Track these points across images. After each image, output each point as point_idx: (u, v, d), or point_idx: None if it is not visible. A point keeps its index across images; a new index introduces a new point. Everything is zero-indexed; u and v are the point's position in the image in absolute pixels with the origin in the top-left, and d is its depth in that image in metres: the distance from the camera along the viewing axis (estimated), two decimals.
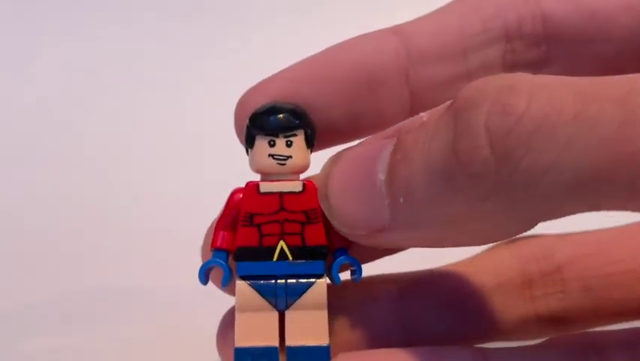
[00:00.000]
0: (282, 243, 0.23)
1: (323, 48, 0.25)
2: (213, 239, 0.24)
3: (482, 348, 0.24)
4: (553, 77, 0.18)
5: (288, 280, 0.23)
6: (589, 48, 0.24)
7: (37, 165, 0.48)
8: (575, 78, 0.18)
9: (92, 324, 0.36)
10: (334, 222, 0.22)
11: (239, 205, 0.23)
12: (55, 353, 0.34)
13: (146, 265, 0.39)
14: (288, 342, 0.23)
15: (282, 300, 0.23)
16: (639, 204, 0.18)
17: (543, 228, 0.28)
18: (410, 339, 0.25)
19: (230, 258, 0.23)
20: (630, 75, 0.17)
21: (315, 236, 0.23)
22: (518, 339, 0.27)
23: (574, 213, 0.19)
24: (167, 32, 0.56)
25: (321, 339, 0.23)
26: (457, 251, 0.28)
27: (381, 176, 0.20)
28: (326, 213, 0.22)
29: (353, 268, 0.24)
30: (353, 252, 0.24)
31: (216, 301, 0.25)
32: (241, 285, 0.23)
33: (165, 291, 0.37)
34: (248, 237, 0.23)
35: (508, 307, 0.27)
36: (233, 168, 0.25)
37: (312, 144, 0.24)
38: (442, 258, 0.28)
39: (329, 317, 0.23)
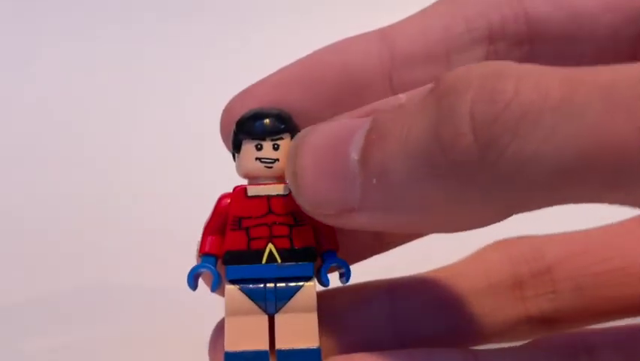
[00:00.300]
0: (270, 246, 0.23)
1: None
2: (201, 244, 0.24)
3: (473, 350, 0.24)
4: (538, 65, 0.18)
5: (278, 284, 0.23)
6: (572, 48, 0.24)
7: (37, 165, 0.48)
8: (561, 67, 0.18)
9: (92, 324, 0.36)
10: (300, 200, 0.22)
11: (227, 210, 0.23)
12: (55, 353, 0.34)
13: (146, 265, 0.39)
14: (279, 345, 0.23)
15: (271, 303, 0.23)
16: (619, 196, 0.17)
17: (532, 229, 0.28)
18: (401, 343, 0.25)
19: (219, 263, 0.23)
20: (617, 65, 0.17)
21: (304, 238, 0.23)
22: (510, 340, 0.27)
23: (553, 204, 0.18)
24: (167, 32, 0.56)
25: (311, 342, 0.23)
26: (447, 254, 0.28)
27: (355, 155, 0.20)
28: (292, 189, 0.22)
29: (342, 271, 0.24)
30: (341, 254, 0.24)
31: (217, 301, 0.24)
32: (230, 289, 0.23)
33: (165, 291, 0.37)
34: (236, 240, 0.23)
35: (500, 309, 0.27)
36: (233, 168, 0.25)
37: None
38: (433, 261, 0.28)
39: (320, 321, 0.23)
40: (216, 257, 0.23)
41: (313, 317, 0.23)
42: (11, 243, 0.42)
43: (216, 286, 0.23)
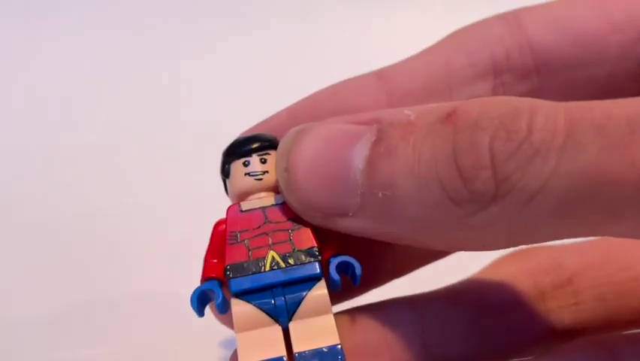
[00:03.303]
0: (272, 252, 0.22)
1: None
2: (204, 270, 0.23)
3: None
4: (546, 101, 0.19)
5: (286, 288, 0.22)
6: (581, 73, 0.25)
7: (37, 165, 0.47)
8: (564, 103, 0.19)
9: (114, 334, 0.35)
10: (290, 198, 0.22)
11: (224, 234, 0.23)
12: None
13: (165, 274, 0.38)
14: (297, 349, 0.21)
15: (282, 311, 0.22)
16: (615, 229, 0.18)
17: None
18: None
19: (224, 288, 0.22)
20: (612, 101, 0.18)
21: (305, 239, 0.22)
22: (534, 353, 0.26)
23: (558, 237, 0.19)
24: (167, 32, 0.55)
25: (331, 340, 0.21)
26: (457, 265, 0.27)
27: (359, 164, 0.20)
28: (282, 186, 0.22)
29: (351, 272, 0.22)
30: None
31: None
32: (237, 303, 0.22)
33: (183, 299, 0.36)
34: (236, 254, 0.22)
35: (525, 322, 0.26)
36: None
37: None
38: (441, 270, 0.27)
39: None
40: (220, 280, 0.22)
41: (329, 318, 0.22)
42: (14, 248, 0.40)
43: (221, 306, 0.22)
